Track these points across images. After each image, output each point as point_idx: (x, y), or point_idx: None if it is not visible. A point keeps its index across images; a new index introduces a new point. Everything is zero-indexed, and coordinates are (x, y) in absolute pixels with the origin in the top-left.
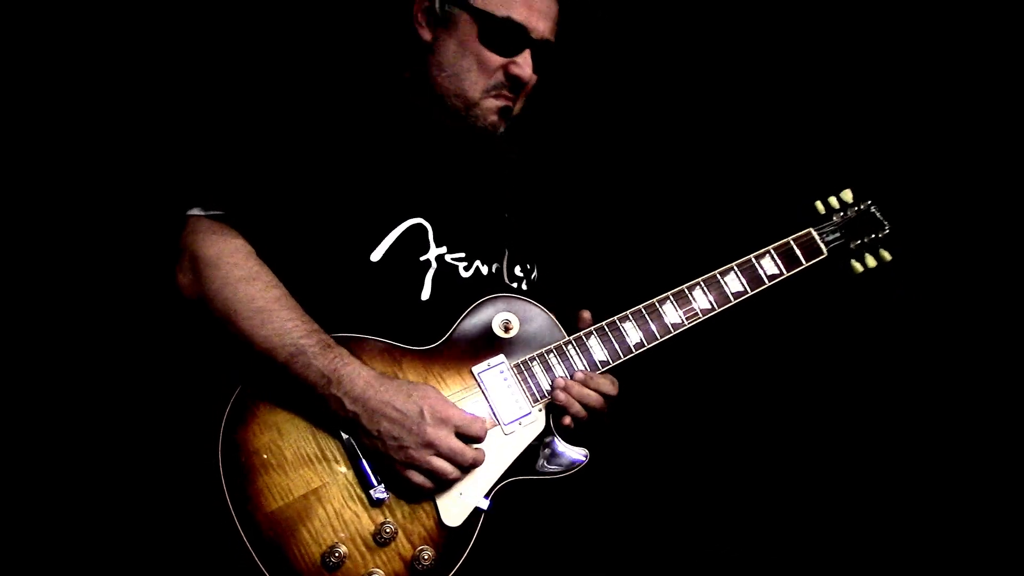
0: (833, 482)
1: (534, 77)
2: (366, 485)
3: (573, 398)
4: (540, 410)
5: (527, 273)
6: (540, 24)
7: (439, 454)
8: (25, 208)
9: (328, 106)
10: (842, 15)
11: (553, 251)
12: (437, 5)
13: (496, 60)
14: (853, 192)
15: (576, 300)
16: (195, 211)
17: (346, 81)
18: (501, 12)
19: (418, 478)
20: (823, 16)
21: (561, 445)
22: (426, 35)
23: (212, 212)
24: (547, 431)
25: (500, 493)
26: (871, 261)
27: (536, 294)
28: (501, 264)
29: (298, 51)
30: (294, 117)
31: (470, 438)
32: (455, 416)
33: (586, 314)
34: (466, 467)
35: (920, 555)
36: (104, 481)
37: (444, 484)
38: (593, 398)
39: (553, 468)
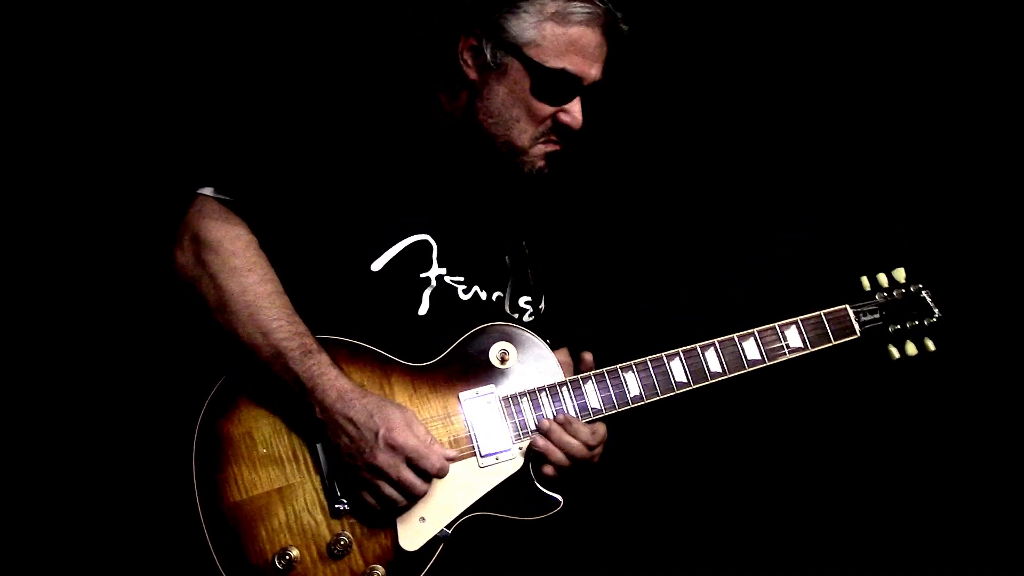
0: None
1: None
2: (330, 494)
3: (553, 444)
4: (520, 448)
5: (532, 305)
6: (593, 70)
7: (388, 482)
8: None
9: (357, 114)
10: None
11: (563, 286)
12: (488, 51)
13: (547, 110)
14: (906, 272)
15: (582, 340)
16: (206, 191)
17: (381, 94)
18: (556, 64)
19: (369, 498)
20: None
21: (536, 487)
22: (472, 75)
23: (222, 196)
24: (524, 471)
25: (464, 525)
26: (911, 349)
27: (541, 327)
28: (504, 293)
29: (337, 59)
30: (322, 119)
31: (422, 471)
32: (408, 446)
33: (588, 356)
34: (414, 499)
35: None
36: (81, 461)
37: (395, 509)
38: (575, 446)
39: (524, 510)
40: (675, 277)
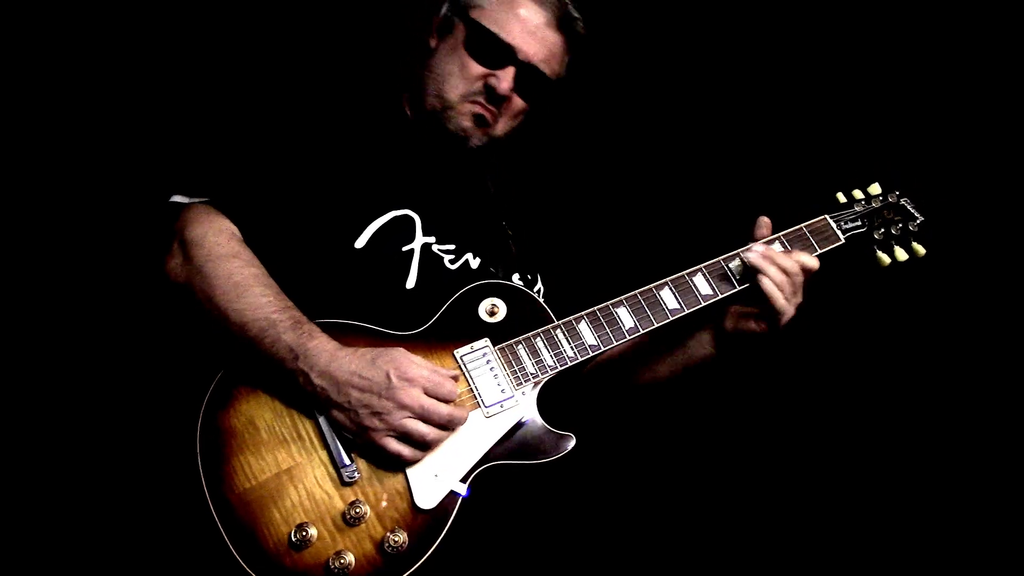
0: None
1: (512, 94)
2: (338, 464)
3: (768, 260)
4: (524, 394)
5: (528, 284)
6: (530, 48)
7: (413, 415)
8: (13, 202)
9: (319, 98)
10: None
11: (556, 261)
12: (443, 13)
13: (478, 69)
14: (881, 185)
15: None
16: (182, 199)
17: (339, 75)
18: (491, 27)
19: (395, 445)
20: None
21: (547, 428)
22: (432, 42)
23: (198, 199)
24: (531, 415)
25: (479, 478)
26: (901, 254)
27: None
28: (497, 267)
29: (290, 44)
30: (282, 106)
31: (440, 398)
32: (422, 376)
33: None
34: (442, 425)
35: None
36: (85, 464)
37: (423, 448)
38: (792, 266)
39: (538, 453)
40: (654, 217)
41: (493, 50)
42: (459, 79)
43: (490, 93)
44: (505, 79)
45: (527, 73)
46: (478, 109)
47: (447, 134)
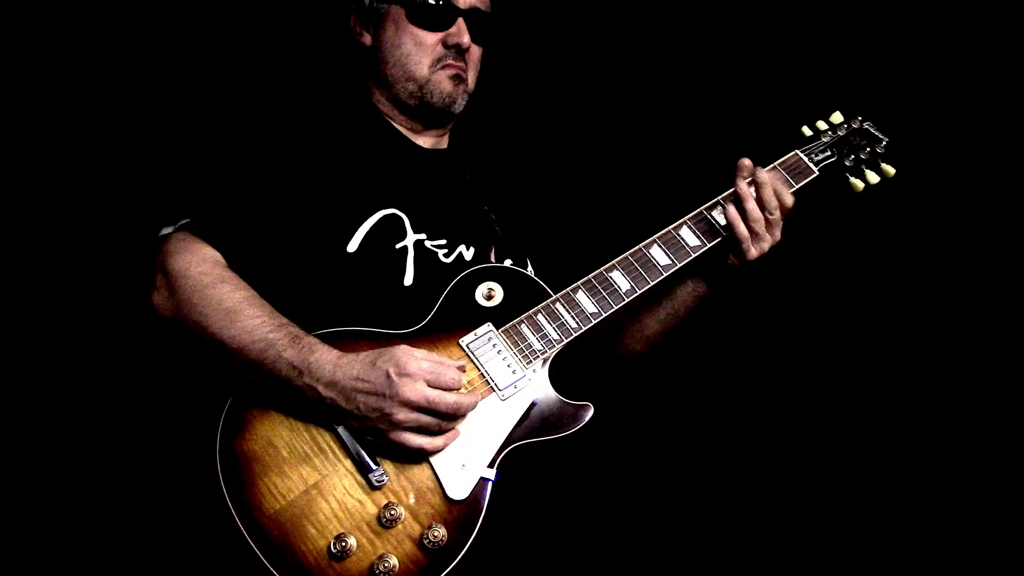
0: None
1: (472, 45)
2: (364, 470)
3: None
4: (535, 371)
5: (518, 267)
6: None
7: (419, 409)
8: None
9: (291, 114)
10: None
11: (542, 239)
12: (367, 9)
13: (432, 37)
14: (843, 113)
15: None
16: (165, 230)
17: (308, 88)
18: None
19: (414, 440)
20: None
21: (563, 403)
22: (367, 40)
23: (179, 226)
24: (546, 391)
25: (506, 461)
26: (872, 177)
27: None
28: (488, 255)
29: (257, 61)
30: (254, 125)
31: (443, 387)
32: (423, 369)
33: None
34: (449, 415)
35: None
36: (109, 502)
37: (440, 434)
38: (773, 202)
39: (559, 427)
40: (629, 178)
41: (437, 13)
42: (420, 53)
43: (456, 49)
44: (462, 32)
45: (474, 18)
46: (451, 70)
47: (435, 110)
